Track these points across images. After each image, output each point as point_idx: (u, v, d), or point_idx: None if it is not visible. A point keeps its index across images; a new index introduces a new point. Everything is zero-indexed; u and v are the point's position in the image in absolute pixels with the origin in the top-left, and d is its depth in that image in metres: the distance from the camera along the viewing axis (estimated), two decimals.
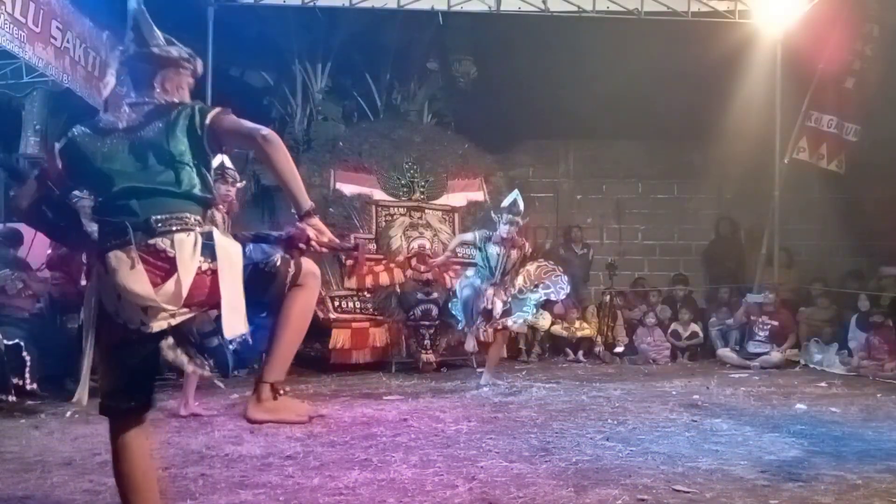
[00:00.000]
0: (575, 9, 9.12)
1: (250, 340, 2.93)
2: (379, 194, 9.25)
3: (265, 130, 2.69)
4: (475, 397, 6.79)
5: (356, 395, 6.84)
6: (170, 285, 2.60)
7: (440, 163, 9.58)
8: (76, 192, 2.91)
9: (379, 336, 8.58)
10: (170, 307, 2.62)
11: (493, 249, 7.07)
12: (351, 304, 8.66)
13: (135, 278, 2.59)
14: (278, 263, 2.78)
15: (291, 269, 2.79)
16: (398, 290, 8.71)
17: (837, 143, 9.61)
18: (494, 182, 9.83)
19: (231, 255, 2.70)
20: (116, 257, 2.62)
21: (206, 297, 2.68)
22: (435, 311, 8.40)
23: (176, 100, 2.85)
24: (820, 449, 4.80)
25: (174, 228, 2.65)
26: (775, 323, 9.03)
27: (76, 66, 7.89)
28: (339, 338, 8.41)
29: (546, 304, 7.76)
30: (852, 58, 9.42)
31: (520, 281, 7.22)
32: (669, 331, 9.67)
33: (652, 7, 9.08)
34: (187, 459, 4.47)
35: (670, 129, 10.43)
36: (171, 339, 2.71)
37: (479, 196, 9.68)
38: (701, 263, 11.19)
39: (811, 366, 8.72)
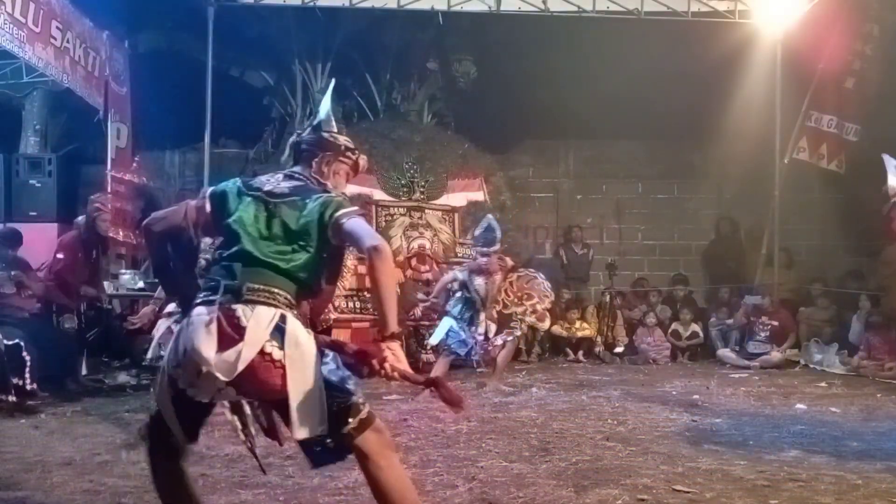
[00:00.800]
0: (575, 9, 9.12)
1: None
2: (379, 194, 9.24)
3: (377, 241, 2.63)
4: (475, 397, 6.78)
5: None
6: (230, 354, 2.54)
7: (440, 163, 9.57)
8: (206, 240, 3.01)
9: None
10: (221, 377, 2.56)
11: (478, 280, 6.97)
12: (351, 304, 8.65)
13: (204, 338, 2.56)
14: (358, 402, 2.68)
15: (363, 415, 2.67)
16: (398, 291, 8.70)
17: (837, 142, 9.61)
18: (494, 182, 9.83)
19: (301, 346, 2.61)
20: (199, 313, 2.63)
21: (263, 387, 2.62)
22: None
23: (328, 184, 2.92)
24: (820, 449, 4.80)
25: (260, 299, 2.62)
26: (775, 323, 9.03)
27: (76, 66, 7.89)
28: (340, 338, 8.40)
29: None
30: (852, 58, 9.42)
31: (503, 297, 7.16)
32: (669, 331, 9.67)
33: (652, 7, 9.07)
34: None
35: (670, 129, 10.43)
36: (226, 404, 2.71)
37: (479, 196, 9.67)
38: (701, 263, 11.19)
39: (811, 366, 8.73)
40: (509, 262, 7.27)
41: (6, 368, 5.73)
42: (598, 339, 9.59)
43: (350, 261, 8.49)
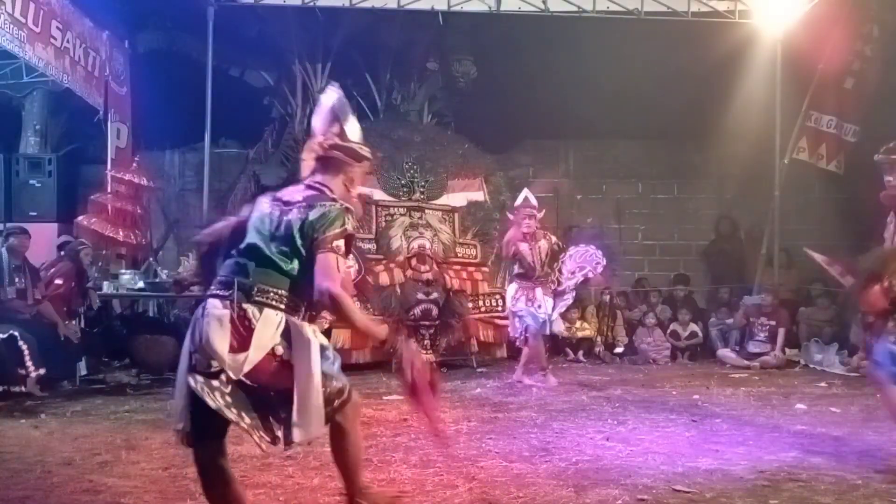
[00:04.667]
0: (575, 9, 9.11)
1: None
2: (379, 194, 9.23)
3: (330, 286, 2.79)
4: (475, 397, 6.79)
5: None
6: (240, 357, 2.82)
7: (440, 163, 9.57)
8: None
9: None
10: (230, 373, 2.82)
11: (524, 247, 7.38)
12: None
13: (218, 334, 2.82)
14: (343, 386, 2.98)
15: (345, 395, 2.99)
16: (398, 290, 8.69)
17: (837, 143, 9.61)
18: (494, 182, 9.83)
19: (307, 347, 2.86)
20: (214, 305, 2.87)
21: (273, 381, 2.89)
22: (435, 311, 8.40)
23: (349, 193, 3.12)
24: (820, 449, 4.80)
25: (268, 302, 2.87)
26: (773, 323, 9.03)
27: (76, 66, 7.90)
28: (340, 338, 8.36)
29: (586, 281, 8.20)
30: (852, 58, 9.42)
31: (564, 272, 7.69)
32: (669, 331, 9.66)
33: (652, 7, 9.07)
34: (187, 459, 4.44)
35: (670, 129, 10.43)
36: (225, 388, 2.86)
37: (479, 196, 9.67)
38: (701, 263, 11.18)
39: (811, 366, 8.72)
40: (553, 238, 7.74)
41: (5, 359, 5.75)
42: (598, 339, 9.58)
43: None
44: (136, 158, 9.18)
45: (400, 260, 8.82)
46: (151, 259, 8.90)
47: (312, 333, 2.92)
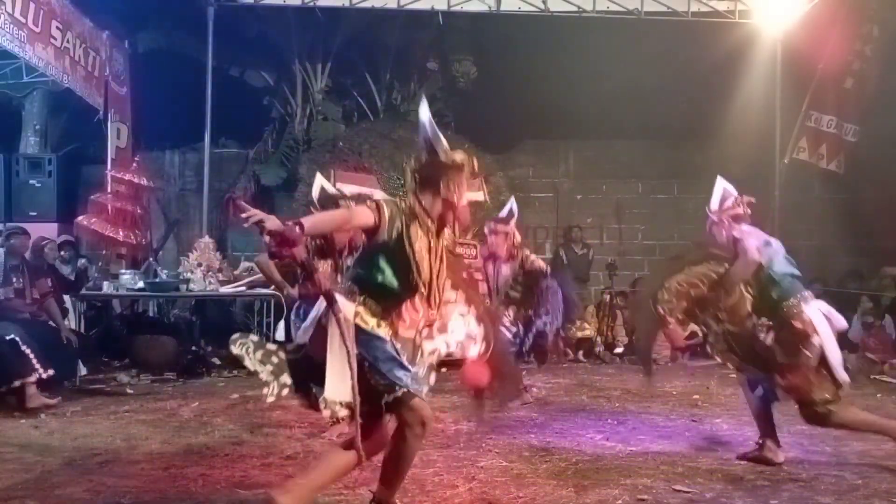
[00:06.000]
0: (575, 9, 9.12)
1: None
2: (379, 194, 9.22)
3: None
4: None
5: None
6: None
7: None
8: None
9: None
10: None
11: (489, 267, 6.28)
12: None
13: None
14: (395, 385, 3.12)
15: (397, 394, 3.12)
16: None
17: (837, 143, 9.61)
18: (494, 182, 9.82)
19: (340, 326, 3.07)
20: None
21: (321, 349, 3.17)
22: None
23: (433, 208, 3.35)
24: (820, 449, 4.80)
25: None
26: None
27: (76, 66, 7.90)
28: None
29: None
30: (852, 58, 9.42)
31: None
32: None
33: (652, 7, 9.07)
34: (187, 459, 4.46)
35: (670, 129, 10.43)
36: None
37: (479, 196, 9.65)
38: None
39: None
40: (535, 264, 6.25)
41: (5, 361, 5.74)
42: (598, 339, 9.57)
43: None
44: (136, 158, 9.18)
45: None
46: (151, 259, 8.91)
47: (360, 318, 3.13)
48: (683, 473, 4.17)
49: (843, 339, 8.83)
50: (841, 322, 4.49)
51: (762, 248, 4.41)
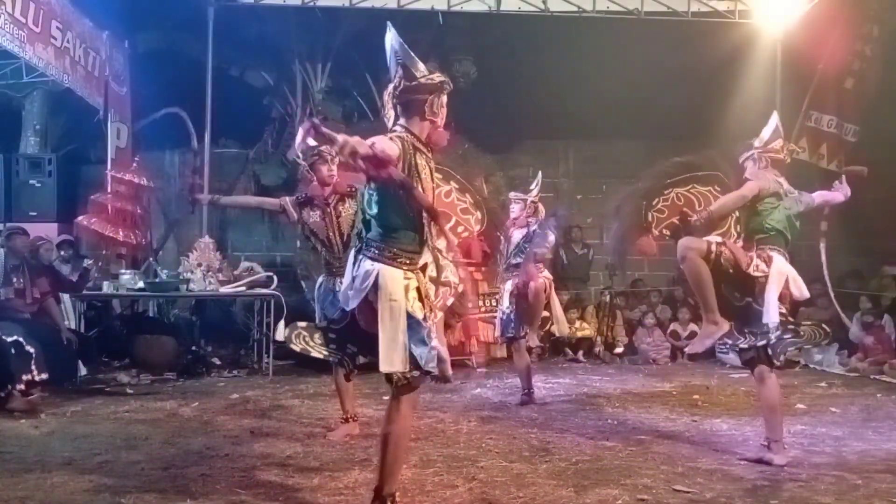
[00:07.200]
0: (575, 9, 9.12)
1: None
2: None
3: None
4: (475, 397, 6.79)
5: (356, 395, 6.82)
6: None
7: (440, 163, 9.56)
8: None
9: None
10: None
11: (511, 232, 6.73)
12: None
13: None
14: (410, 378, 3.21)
15: (409, 376, 3.21)
16: None
17: (837, 143, 9.60)
18: (494, 182, 9.82)
19: (390, 291, 3.16)
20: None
21: (371, 322, 3.23)
22: None
23: (421, 132, 3.38)
24: (820, 449, 4.81)
25: (369, 255, 3.26)
26: None
27: (76, 66, 7.89)
28: None
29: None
30: (852, 58, 9.42)
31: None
32: (669, 331, 9.66)
33: (652, 7, 9.08)
34: (187, 459, 4.47)
35: (670, 129, 10.42)
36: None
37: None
38: None
39: (811, 366, 8.72)
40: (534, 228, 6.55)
41: (8, 361, 5.74)
42: (598, 339, 9.58)
43: None
44: (137, 158, 9.17)
45: None
46: (151, 259, 8.91)
47: (405, 294, 3.17)
48: (683, 473, 4.17)
49: (843, 338, 8.90)
50: (803, 290, 4.55)
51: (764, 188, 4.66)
